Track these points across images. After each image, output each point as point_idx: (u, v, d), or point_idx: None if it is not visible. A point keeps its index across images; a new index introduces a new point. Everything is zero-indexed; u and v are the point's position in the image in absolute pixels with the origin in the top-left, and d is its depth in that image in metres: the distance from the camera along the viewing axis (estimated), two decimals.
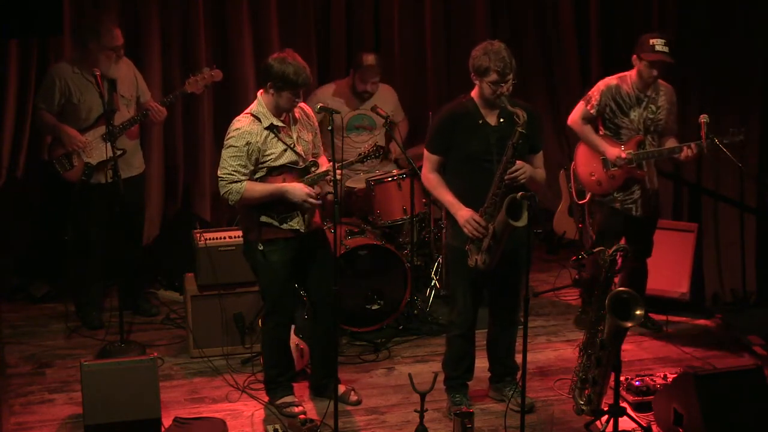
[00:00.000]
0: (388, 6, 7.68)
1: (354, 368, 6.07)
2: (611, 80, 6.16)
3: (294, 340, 5.70)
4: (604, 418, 5.26)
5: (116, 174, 6.01)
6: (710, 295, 7.04)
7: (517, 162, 5.11)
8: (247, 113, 5.31)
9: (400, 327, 6.53)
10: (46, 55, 6.95)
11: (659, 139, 6.19)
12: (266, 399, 5.62)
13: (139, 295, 6.86)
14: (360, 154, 5.72)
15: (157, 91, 6.92)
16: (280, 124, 5.29)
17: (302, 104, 5.39)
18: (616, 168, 6.13)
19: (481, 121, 5.22)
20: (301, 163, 5.34)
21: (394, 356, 6.25)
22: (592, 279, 6.53)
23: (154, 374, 5.27)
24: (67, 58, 6.70)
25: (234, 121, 5.31)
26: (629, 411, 5.33)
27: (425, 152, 5.34)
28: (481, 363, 5.66)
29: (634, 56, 6.06)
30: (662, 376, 5.67)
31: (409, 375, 5.28)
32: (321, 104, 5.35)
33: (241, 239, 5.53)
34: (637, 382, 5.60)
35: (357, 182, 6.84)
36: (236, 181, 5.22)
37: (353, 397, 5.65)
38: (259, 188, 5.26)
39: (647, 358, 6.21)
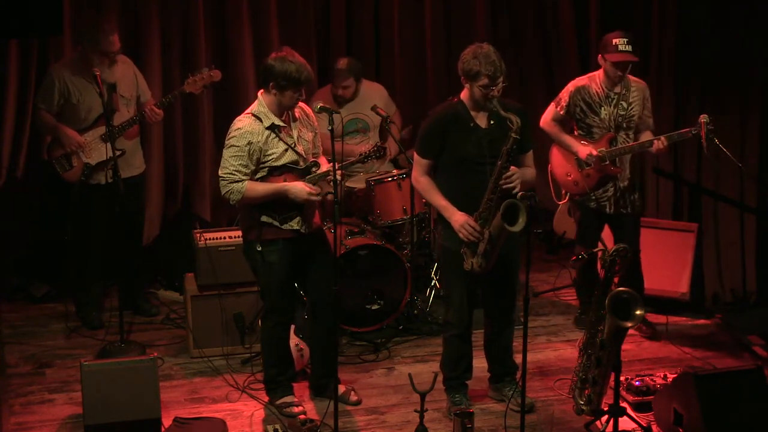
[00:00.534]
0: (388, 6, 7.68)
1: (354, 368, 6.07)
2: (580, 81, 6.22)
3: (294, 340, 5.70)
4: (604, 418, 5.26)
5: (116, 174, 6.01)
6: (710, 295, 7.04)
7: (511, 168, 5.11)
8: (248, 113, 5.31)
9: (400, 327, 6.53)
10: (46, 55, 6.95)
11: (634, 135, 6.21)
12: (266, 399, 5.62)
13: (139, 295, 6.86)
14: (361, 154, 5.73)
15: (157, 91, 6.92)
16: (282, 123, 5.29)
17: (302, 104, 5.39)
18: (589, 167, 6.15)
19: (472, 124, 5.22)
20: (301, 163, 5.34)
21: (394, 356, 6.25)
22: (581, 280, 6.58)
23: (154, 374, 5.27)
24: (66, 58, 6.71)
25: (235, 120, 5.32)
26: (629, 411, 5.33)
27: (415, 156, 5.33)
28: (481, 363, 5.66)
29: (599, 56, 6.12)
30: (662, 376, 5.67)
31: (409, 375, 5.28)
32: (321, 104, 5.35)
33: (241, 239, 5.53)
34: (637, 382, 5.60)
35: (357, 182, 6.85)
36: (237, 181, 5.22)
37: (353, 397, 5.65)
38: (261, 188, 5.26)
39: (647, 358, 6.21)
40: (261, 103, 5.29)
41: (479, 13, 7.76)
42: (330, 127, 5.08)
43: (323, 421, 5.33)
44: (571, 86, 6.23)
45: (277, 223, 5.32)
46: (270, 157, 5.27)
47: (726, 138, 6.50)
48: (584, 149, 6.14)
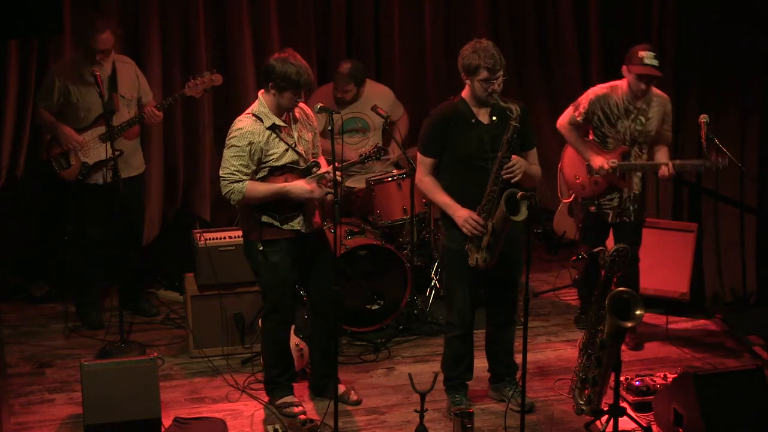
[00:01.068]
0: (388, 6, 7.68)
1: (354, 368, 6.07)
2: (602, 89, 6.14)
3: (294, 340, 5.70)
4: (604, 418, 5.26)
5: (116, 174, 6.01)
6: (710, 295, 7.04)
7: (513, 157, 5.12)
8: (248, 113, 5.31)
9: (400, 327, 6.53)
10: (46, 55, 6.95)
11: (650, 148, 6.18)
12: (266, 399, 5.62)
13: (139, 295, 6.86)
14: (361, 155, 5.73)
15: (157, 92, 6.92)
16: (282, 123, 5.29)
17: (302, 104, 5.39)
18: (599, 175, 6.14)
19: (473, 120, 5.22)
20: (302, 163, 5.34)
21: (394, 356, 6.25)
22: (583, 279, 6.58)
23: (154, 374, 5.27)
24: (66, 58, 6.71)
25: (236, 120, 5.32)
26: (629, 411, 5.33)
27: (418, 155, 5.34)
28: (481, 363, 5.66)
29: (624, 67, 6.02)
30: (662, 376, 5.67)
31: (409, 375, 5.28)
32: (321, 104, 5.35)
33: (241, 239, 5.53)
34: (637, 382, 5.60)
35: (357, 182, 6.85)
36: (238, 181, 5.22)
37: (353, 397, 5.65)
38: (262, 188, 5.26)
39: (647, 358, 6.21)
40: (261, 103, 5.30)
41: (479, 13, 7.76)
42: (329, 127, 5.08)
43: (323, 421, 5.33)
44: (591, 93, 6.14)
45: (277, 224, 5.33)
46: (271, 157, 5.27)
47: (726, 138, 6.51)
48: (597, 160, 6.10)
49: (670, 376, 5.59)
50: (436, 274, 6.90)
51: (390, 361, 6.18)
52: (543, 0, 7.89)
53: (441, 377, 5.48)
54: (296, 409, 5.49)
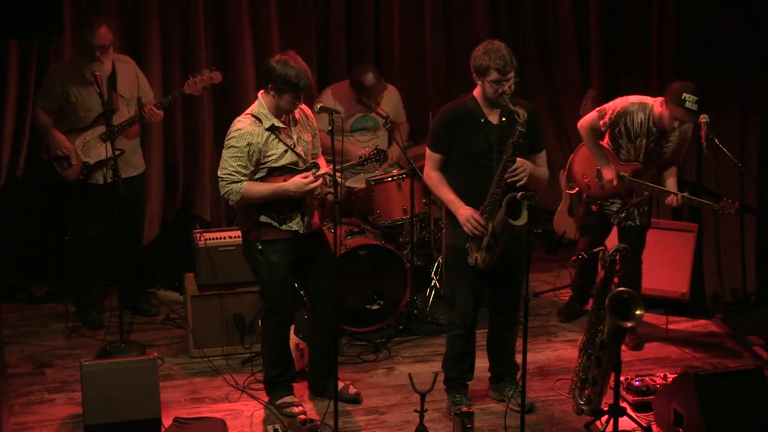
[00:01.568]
0: (388, 6, 7.68)
1: (354, 368, 6.07)
2: (631, 104, 6.02)
3: (294, 340, 5.70)
4: (604, 418, 5.27)
5: (116, 174, 6.01)
6: (710, 295, 7.04)
7: (518, 160, 5.12)
8: (248, 114, 5.31)
9: (400, 327, 6.53)
10: (46, 55, 6.94)
11: (661, 166, 6.16)
12: (266, 399, 5.62)
13: (139, 295, 6.86)
14: (360, 157, 5.73)
15: (157, 92, 6.91)
16: (281, 125, 5.29)
17: (302, 105, 5.39)
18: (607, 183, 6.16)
19: (483, 120, 5.23)
20: (301, 164, 5.34)
21: (394, 356, 6.25)
22: (580, 280, 6.64)
23: (154, 374, 5.27)
24: (67, 58, 6.71)
25: (235, 121, 5.32)
26: (629, 411, 5.34)
27: (427, 150, 5.35)
28: (481, 363, 5.66)
29: (664, 98, 5.88)
30: (662, 376, 5.67)
31: (409, 375, 5.28)
32: (321, 104, 5.35)
33: (241, 239, 5.53)
34: (637, 382, 5.60)
35: (357, 182, 6.84)
36: (236, 182, 5.22)
37: (352, 390, 5.66)
38: (260, 188, 5.26)
39: (647, 358, 6.21)
40: (261, 104, 5.30)
41: (479, 13, 7.76)
42: (330, 128, 5.08)
43: (323, 421, 5.34)
44: (619, 105, 6.04)
45: (275, 224, 5.33)
46: (269, 158, 5.27)
47: (726, 138, 6.51)
48: (609, 172, 6.06)
49: (670, 376, 5.60)
50: (436, 274, 6.90)
51: (390, 361, 6.18)
52: (543, 0, 7.89)
53: (441, 377, 5.48)
54: (296, 409, 5.49)
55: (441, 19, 7.77)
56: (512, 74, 5.14)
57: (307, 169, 5.33)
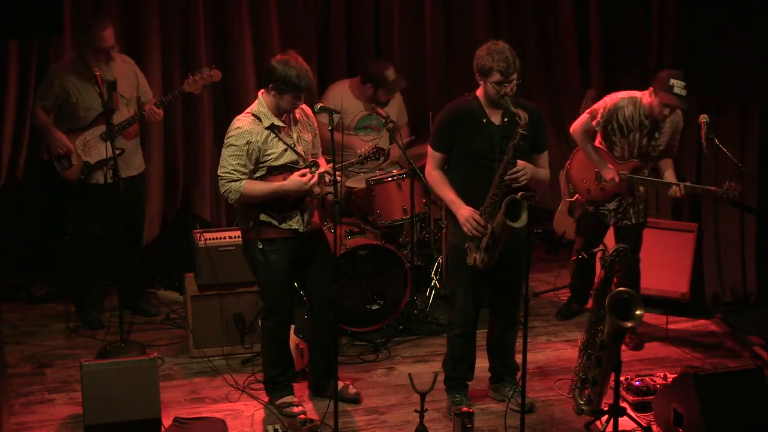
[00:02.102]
0: (388, 6, 7.68)
1: (354, 368, 6.07)
2: (621, 99, 6.06)
3: (294, 340, 5.70)
4: (604, 418, 5.27)
5: (116, 174, 6.01)
6: (710, 295, 7.04)
7: (519, 162, 5.12)
8: (247, 113, 5.32)
9: (400, 327, 6.53)
10: (46, 55, 6.95)
11: (656, 160, 6.17)
12: (266, 399, 5.62)
13: (139, 295, 6.86)
14: (359, 156, 5.73)
15: (157, 91, 6.91)
16: (281, 124, 5.29)
17: (302, 105, 5.39)
18: (607, 183, 6.15)
19: (485, 120, 5.23)
20: (301, 163, 5.34)
21: (394, 356, 6.25)
22: (577, 280, 6.64)
23: (154, 374, 5.27)
24: (66, 58, 6.71)
25: (234, 120, 5.32)
26: (629, 411, 5.34)
27: (429, 149, 5.35)
28: (481, 363, 5.66)
29: (651, 88, 5.93)
30: (662, 376, 5.67)
31: (409, 375, 5.28)
32: (321, 104, 5.36)
33: (241, 238, 5.53)
34: (637, 382, 5.60)
35: (357, 182, 6.84)
36: (235, 180, 5.23)
37: (351, 390, 5.66)
38: (259, 187, 5.26)
39: (647, 358, 6.21)
40: (261, 103, 5.30)
41: (479, 13, 7.76)
42: (330, 128, 5.08)
43: (323, 421, 5.33)
44: (609, 102, 6.07)
45: (275, 222, 5.33)
46: (269, 157, 5.27)
47: (726, 138, 6.51)
48: (609, 173, 6.08)
49: (670, 376, 5.60)
50: (436, 274, 6.90)
51: (390, 361, 6.18)
52: (543, 0, 7.89)
53: (441, 377, 5.48)
54: (296, 409, 5.49)
55: (441, 19, 7.78)
56: (515, 76, 5.15)
57: (307, 168, 5.33)
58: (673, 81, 5.83)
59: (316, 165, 5.38)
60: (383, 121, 6.77)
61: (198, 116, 7.39)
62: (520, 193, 4.98)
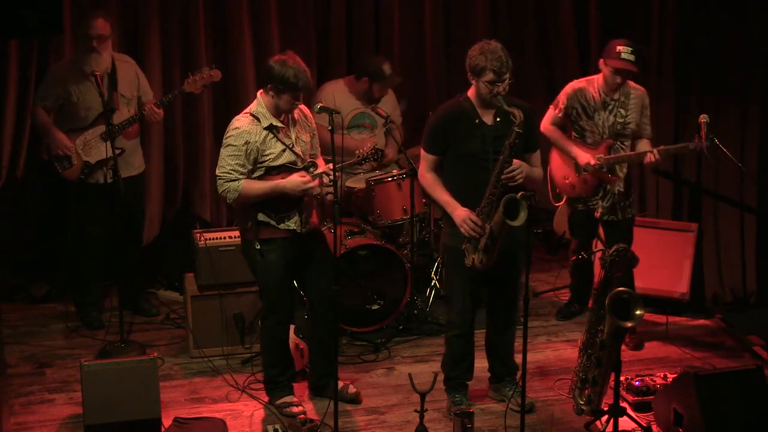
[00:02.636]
0: (388, 6, 7.68)
1: (354, 368, 6.07)
2: (578, 83, 6.21)
3: (294, 340, 5.70)
4: (604, 418, 5.27)
5: (116, 174, 6.01)
6: (710, 295, 7.04)
7: (515, 161, 5.12)
8: (246, 113, 5.32)
9: (400, 327, 6.53)
10: (46, 55, 6.95)
11: (631, 142, 6.19)
12: (266, 399, 5.62)
13: (139, 295, 6.86)
14: (358, 156, 5.73)
15: (157, 91, 6.92)
16: (280, 124, 5.29)
17: (301, 105, 5.39)
18: (587, 172, 6.15)
19: (477, 121, 5.23)
20: (299, 164, 5.34)
21: (394, 356, 6.25)
22: (575, 280, 6.65)
23: (154, 374, 5.27)
24: (67, 58, 6.71)
25: (233, 120, 5.32)
26: (629, 411, 5.33)
27: (422, 152, 5.35)
28: (481, 363, 5.66)
29: (601, 60, 6.09)
30: (662, 376, 5.67)
31: (409, 375, 5.28)
32: (321, 104, 5.36)
33: (240, 239, 5.53)
34: (637, 382, 5.60)
35: (357, 182, 6.84)
36: (234, 180, 5.23)
37: (351, 390, 5.66)
38: (257, 186, 5.27)
39: (647, 358, 6.21)
40: (260, 103, 5.30)
41: (479, 13, 7.76)
42: (330, 128, 5.08)
43: (323, 421, 5.33)
44: (568, 88, 6.22)
45: (273, 222, 5.33)
46: (267, 157, 5.27)
47: (726, 138, 6.51)
48: (584, 156, 6.13)
49: (670, 376, 5.60)
50: (436, 274, 6.90)
51: (390, 361, 6.18)
52: (543, 0, 7.89)
53: (441, 377, 5.48)
54: (296, 409, 5.49)
55: (441, 19, 7.78)
56: (508, 75, 5.14)
57: (305, 168, 5.33)
58: (619, 48, 5.98)
59: (315, 165, 5.38)
60: (382, 120, 6.78)
61: (198, 116, 7.39)
62: (520, 193, 4.98)
